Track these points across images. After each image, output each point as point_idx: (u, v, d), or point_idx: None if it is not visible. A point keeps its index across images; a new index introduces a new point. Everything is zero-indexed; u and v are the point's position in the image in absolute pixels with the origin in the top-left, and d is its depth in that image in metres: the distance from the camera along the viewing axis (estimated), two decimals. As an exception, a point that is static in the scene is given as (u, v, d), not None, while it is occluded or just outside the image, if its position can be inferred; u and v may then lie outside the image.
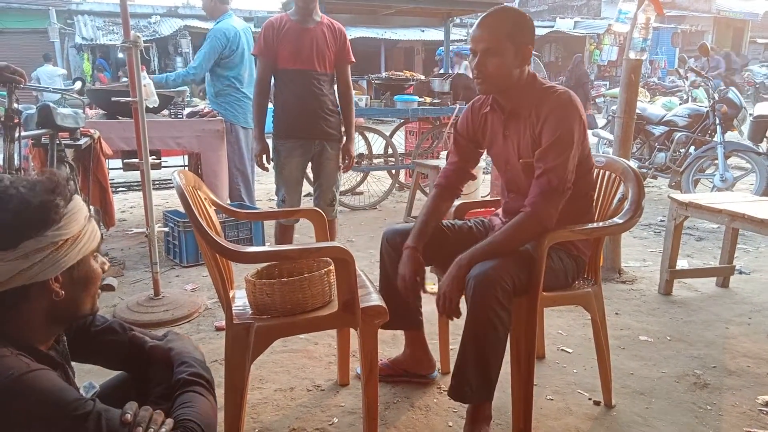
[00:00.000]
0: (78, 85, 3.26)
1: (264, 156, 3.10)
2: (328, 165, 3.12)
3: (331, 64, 3.05)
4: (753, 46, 21.87)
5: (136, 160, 2.84)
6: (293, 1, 3.04)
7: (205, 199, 1.86)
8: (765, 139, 5.54)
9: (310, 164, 3.16)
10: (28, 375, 0.92)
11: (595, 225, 2.00)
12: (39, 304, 1.02)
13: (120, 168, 4.39)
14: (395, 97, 5.19)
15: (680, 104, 6.58)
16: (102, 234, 1.14)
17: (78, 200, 1.07)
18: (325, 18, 3.07)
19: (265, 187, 5.97)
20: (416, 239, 1.91)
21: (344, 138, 3.18)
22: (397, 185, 5.82)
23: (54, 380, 0.95)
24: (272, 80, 3.08)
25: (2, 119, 2.53)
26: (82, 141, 3.12)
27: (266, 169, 3.18)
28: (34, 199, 0.98)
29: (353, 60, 3.15)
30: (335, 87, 3.14)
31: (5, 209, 0.96)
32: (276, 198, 3.18)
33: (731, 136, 5.38)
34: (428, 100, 5.30)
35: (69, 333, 1.19)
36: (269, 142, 3.12)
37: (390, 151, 5.64)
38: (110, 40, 15.56)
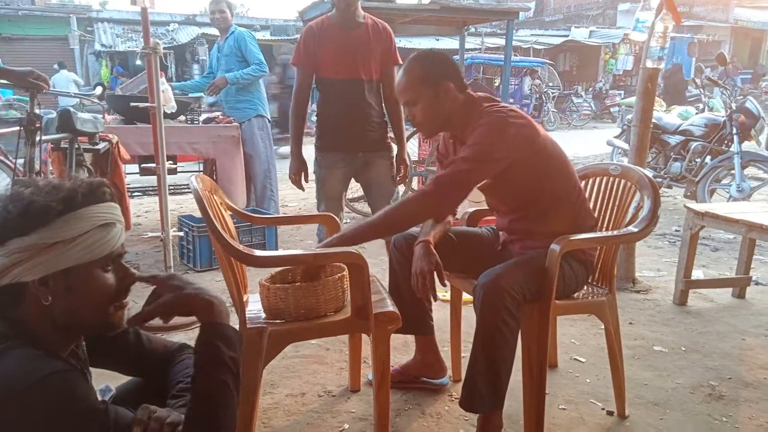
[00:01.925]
0: (98, 90, 3.32)
1: (303, 174, 2.88)
2: (378, 179, 2.86)
3: (377, 69, 2.76)
4: (772, 56, 21.67)
5: (153, 165, 2.88)
6: (333, 3, 2.77)
7: (221, 203, 1.88)
8: (783, 150, 5.48)
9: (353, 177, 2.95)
10: (52, 376, 0.91)
11: (610, 233, 2.00)
12: (32, 306, 1.00)
13: (136, 173, 4.45)
14: (409, 105, 5.20)
15: (696, 114, 6.52)
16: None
17: (97, 208, 1.03)
18: (368, 18, 2.79)
19: (308, 190, 5.99)
20: (428, 234, 1.90)
21: (394, 147, 2.94)
22: (409, 192, 5.82)
23: (78, 383, 0.95)
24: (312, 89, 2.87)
25: (24, 123, 2.57)
26: (101, 146, 3.17)
27: (302, 189, 2.94)
28: (26, 200, 0.98)
29: (400, 62, 2.81)
30: (381, 94, 2.87)
31: (5, 208, 0.98)
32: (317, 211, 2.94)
33: (748, 146, 5.32)
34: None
35: (87, 339, 1.18)
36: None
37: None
38: (129, 47, 15.79)
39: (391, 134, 2.94)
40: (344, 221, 3.20)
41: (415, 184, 6.09)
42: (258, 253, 1.61)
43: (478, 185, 1.87)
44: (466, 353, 2.06)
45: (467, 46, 9.54)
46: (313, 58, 2.73)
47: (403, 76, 1.86)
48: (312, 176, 2.92)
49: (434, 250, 1.84)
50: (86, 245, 1.01)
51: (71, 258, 1.00)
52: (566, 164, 1.90)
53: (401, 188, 5.66)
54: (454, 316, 2.28)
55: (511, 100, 13.68)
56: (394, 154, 2.91)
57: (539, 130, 1.82)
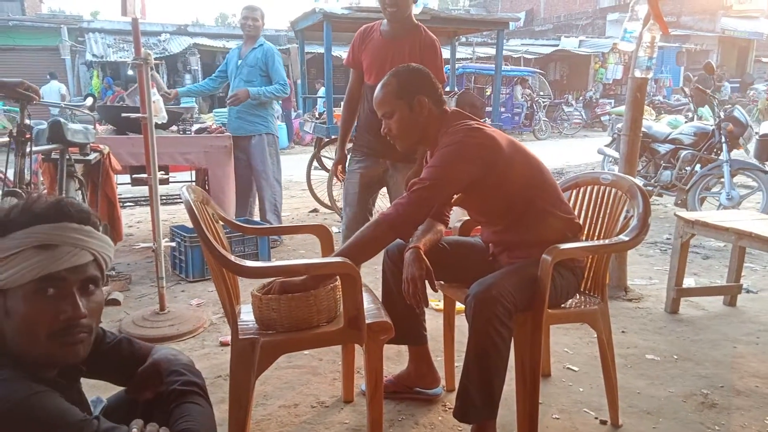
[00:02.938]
0: (89, 101, 3.31)
1: (340, 166, 3.05)
2: (398, 188, 2.87)
3: None
4: (758, 65, 21.92)
5: (145, 176, 2.87)
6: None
7: (213, 214, 1.88)
8: (772, 158, 5.53)
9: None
10: (31, 398, 0.91)
11: (601, 242, 2.01)
12: None
13: (128, 183, 4.43)
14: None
15: (686, 122, 6.58)
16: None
17: (42, 228, 0.99)
18: (422, 29, 2.78)
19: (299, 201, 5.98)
20: (419, 240, 1.90)
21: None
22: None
23: (57, 402, 0.94)
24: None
25: (14, 134, 2.56)
26: (92, 156, 3.16)
27: (341, 180, 3.08)
28: None
29: (445, 79, 2.88)
30: None
31: None
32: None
33: (737, 154, 5.38)
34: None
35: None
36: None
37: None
38: (120, 57, 15.77)
39: None
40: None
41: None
42: (249, 263, 1.61)
43: (453, 200, 1.91)
44: (459, 363, 2.05)
45: (459, 55, 9.60)
46: (359, 61, 2.85)
47: (380, 90, 1.90)
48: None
49: (425, 256, 1.84)
50: (24, 268, 0.97)
51: (10, 280, 0.96)
52: (541, 173, 1.91)
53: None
54: (447, 326, 2.28)
55: (503, 109, 13.76)
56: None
57: (502, 145, 1.80)
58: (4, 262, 0.97)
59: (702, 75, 10.66)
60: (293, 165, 8.38)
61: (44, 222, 1.00)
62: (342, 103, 3.01)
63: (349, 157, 3.04)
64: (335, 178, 3.09)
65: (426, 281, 1.78)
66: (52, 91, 13.00)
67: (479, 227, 2.41)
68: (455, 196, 1.94)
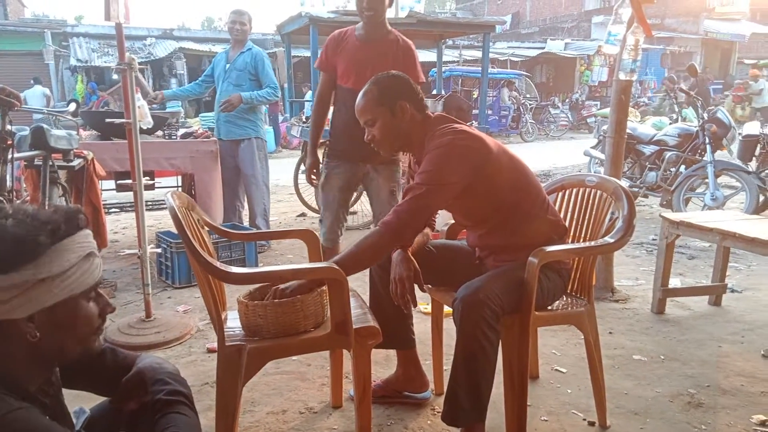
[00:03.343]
0: (72, 106, 3.28)
1: (314, 170, 3.01)
2: (380, 191, 2.92)
3: None
4: (740, 66, 22.20)
5: (130, 181, 2.84)
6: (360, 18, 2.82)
7: (198, 220, 1.87)
8: (754, 158, 5.61)
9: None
10: (9, 415, 0.89)
11: (586, 244, 2.02)
12: (15, 344, 0.97)
13: (113, 189, 4.38)
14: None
15: (670, 124, 6.65)
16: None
17: (77, 237, 1.01)
18: (395, 34, 2.84)
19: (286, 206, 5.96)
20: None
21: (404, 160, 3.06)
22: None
23: (36, 419, 0.92)
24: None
25: (-5, 141, 2.53)
26: (76, 162, 3.12)
27: (314, 185, 3.08)
28: (10, 233, 0.93)
29: (423, 80, 2.91)
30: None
31: None
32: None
33: (721, 155, 5.44)
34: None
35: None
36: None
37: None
38: (105, 62, 15.64)
39: None
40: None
41: (400, 197, 6.11)
42: (234, 269, 1.60)
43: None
44: (448, 366, 2.06)
45: (445, 58, 9.65)
46: (332, 66, 2.84)
47: (361, 98, 1.90)
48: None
49: (411, 257, 1.85)
50: (74, 278, 0.99)
51: (60, 293, 0.97)
52: (526, 176, 1.91)
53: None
54: (435, 329, 2.28)
55: (490, 112, 13.82)
56: (403, 168, 2.98)
57: (490, 146, 1.81)
58: (66, 275, 0.98)
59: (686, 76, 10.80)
60: (281, 169, 8.36)
61: (79, 229, 1.03)
62: (312, 107, 3.01)
63: (324, 161, 3.02)
64: (310, 183, 3.08)
65: (414, 282, 1.80)
66: (35, 95, 12.88)
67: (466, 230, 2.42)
68: None
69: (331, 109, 3.00)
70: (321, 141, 3.13)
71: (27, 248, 0.94)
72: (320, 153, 3.19)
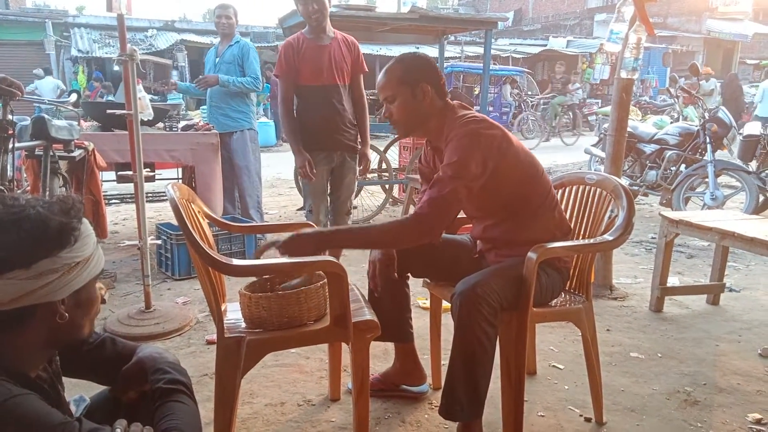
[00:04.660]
0: (73, 97, 3.28)
1: (307, 164, 3.11)
2: (347, 176, 3.23)
3: (348, 75, 3.18)
4: (743, 66, 22.17)
5: (130, 173, 2.84)
6: (306, 22, 3.14)
7: (199, 212, 1.87)
8: (754, 158, 5.61)
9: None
10: (9, 402, 0.90)
11: (585, 242, 2.02)
12: (41, 326, 1.01)
13: (113, 180, 4.38)
14: (389, 113, 5.21)
15: (671, 123, 6.65)
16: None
17: (87, 224, 1.07)
18: (338, 33, 3.19)
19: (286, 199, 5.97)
20: None
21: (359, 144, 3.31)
22: (390, 200, 5.84)
23: (36, 405, 0.93)
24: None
25: (-4, 130, 2.53)
26: (76, 153, 3.12)
27: (311, 178, 3.15)
28: (52, 219, 0.98)
29: (366, 70, 3.29)
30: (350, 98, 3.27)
31: (22, 228, 0.96)
32: (304, 209, 3.34)
33: (721, 154, 5.44)
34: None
35: (64, 351, 1.18)
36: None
37: (384, 166, 5.66)
38: (106, 53, 15.61)
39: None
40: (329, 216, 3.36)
41: (396, 192, 6.11)
42: (236, 262, 1.60)
43: None
44: (446, 361, 2.06)
45: (447, 54, 9.62)
46: (294, 70, 3.09)
47: (384, 74, 1.88)
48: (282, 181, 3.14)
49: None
50: (95, 261, 1.06)
51: (88, 275, 1.04)
52: (539, 172, 1.92)
53: (383, 197, 5.70)
54: (433, 324, 2.29)
55: (491, 108, 13.80)
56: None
57: (510, 137, 1.83)
58: (92, 257, 1.05)
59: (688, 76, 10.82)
60: (281, 162, 8.35)
61: (85, 216, 1.08)
62: (281, 113, 3.20)
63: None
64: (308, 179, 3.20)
65: (387, 267, 1.87)
66: (47, 86, 12.74)
67: (466, 225, 2.43)
68: None
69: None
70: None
71: (68, 233, 1.00)
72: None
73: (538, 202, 1.90)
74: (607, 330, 2.82)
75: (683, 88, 6.21)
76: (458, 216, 2.34)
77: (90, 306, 1.09)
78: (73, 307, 1.04)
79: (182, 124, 4.44)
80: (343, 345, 2.04)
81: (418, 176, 4.76)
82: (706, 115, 5.33)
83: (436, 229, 1.74)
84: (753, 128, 5.65)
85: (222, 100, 4.29)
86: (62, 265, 0.99)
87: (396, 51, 16.25)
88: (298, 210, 5.80)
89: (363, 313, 1.77)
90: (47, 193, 2.83)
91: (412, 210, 5.07)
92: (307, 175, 3.11)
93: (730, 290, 3.40)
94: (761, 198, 5.02)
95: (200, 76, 4.27)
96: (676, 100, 6.82)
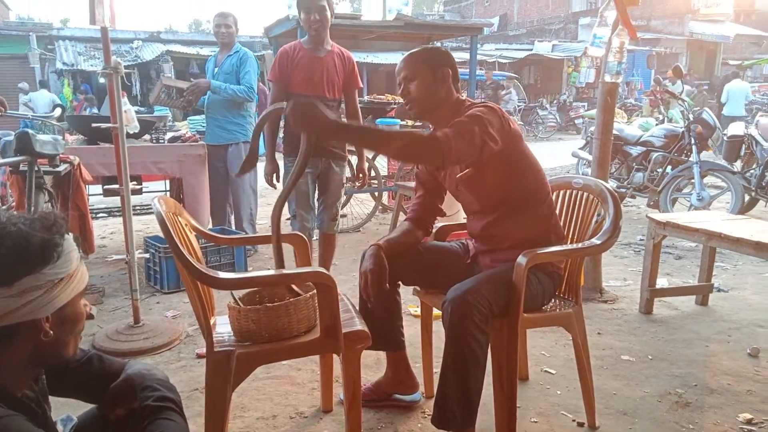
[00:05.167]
0: (57, 111, 3.25)
1: (274, 175, 3.22)
2: (333, 182, 3.26)
3: (340, 90, 3.22)
4: (726, 67, 22.46)
5: (117, 186, 2.82)
6: (306, 32, 3.16)
7: (186, 225, 1.86)
8: (739, 158, 5.67)
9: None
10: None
11: (574, 246, 2.03)
12: (25, 345, 1.00)
13: (100, 194, 4.35)
14: (377, 120, 5.23)
15: (656, 125, 6.71)
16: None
17: (70, 239, 1.07)
18: (335, 46, 3.21)
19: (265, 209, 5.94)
20: (384, 241, 1.96)
21: (349, 157, 3.38)
22: (380, 207, 5.84)
23: (23, 427, 0.92)
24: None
25: (-21, 147, 2.50)
26: (62, 168, 3.09)
27: (275, 187, 3.25)
28: (34, 236, 0.98)
29: (361, 85, 3.34)
30: (342, 110, 3.31)
31: (3, 245, 0.95)
32: (289, 214, 3.35)
33: (706, 155, 5.50)
34: (410, 122, 5.35)
35: (51, 370, 1.16)
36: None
37: (373, 174, 5.66)
38: (91, 66, 15.50)
39: (351, 147, 3.37)
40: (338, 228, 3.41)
41: (385, 199, 6.12)
42: (223, 275, 1.59)
43: (461, 174, 1.89)
44: (438, 368, 2.06)
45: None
46: (287, 77, 3.12)
47: (407, 55, 1.94)
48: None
49: (382, 254, 1.88)
50: (79, 277, 1.06)
51: (72, 291, 1.04)
52: (539, 172, 1.96)
53: (372, 205, 5.70)
54: (425, 332, 2.28)
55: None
56: (350, 165, 3.35)
57: (518, 128, 1.89)
58: (76, 273, 1.05)
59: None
60: (270, 172, 8.32)
61: (67, 233, 1.07)
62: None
63: (288, 163, 3.21)
64: (272, 186, 3.29)
65: (379, 278, 1.84)
66: (42, 99, 12.55)
67: (455, 232, 2.43)
68: (465, 170, 1.90)
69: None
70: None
71: (50, 250, 1.00)
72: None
73: (535, 203, 1.92)
74: (598, 333, 2.83)
75: (667, 90, 6.27)
76: (448, 224, 2.36)
77: (75, 323, 1.08)
78: (58, 325, 1.03)
79: (169, 135, 4.42)
80: (335, 355, 2.03)
81: (407, 183, 4.79)
82: (691, 116, 5.38)
83: (448, 154, 1.66)
84: (737, 129, 5.71)
85: (218, 112, 4.18)
86: (45, 282, 0.98)
87: (382, 58, 16.32)
88: (286, 219, 5.78)
89: (353, 323, 1.76)
90: (32, 208, 2.80)
91: (402, 217, 5.08)
92: (270, 183, 3.21)
93: (719, 290, 3.43)
94: (746, 198, 5.08)
95: (192, 82, 4.15)
96: (660, 101, 6.87)
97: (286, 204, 3.23)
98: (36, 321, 0.99)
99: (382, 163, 6.10)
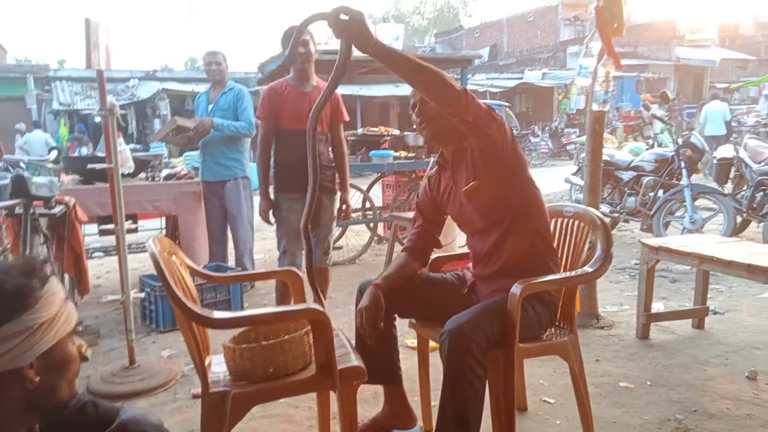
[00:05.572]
0: (53, 154, 3.28)
1: (270, 212, 3.24)
2: (324, 216, 3.26)
3: (327, 123, 3.26)
4: (713, 90, 22.82)
5: (112, 226, 2.83)
6: (293, 69, 3.23)
7: (181, 264, 1.87)
8: (729, 180, 5.74)
9: None
10: None
11: (567, 275, 2.04)
12: (13, 393, 0.99)
13: (96, 233, 4.36)
14: (371, 152, 5.29)
15: (647, 149, 6.80)
16: (77, 303, 1.12)
17: (54, 282, 1.06)
18: (321, 82, 3.25)
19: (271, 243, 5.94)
20: (382, 279, 1.98)
21: (339, 190, 3.39)
22: (375, 238, 5.85)
23: None
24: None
25: (-25, 191, 2.52)
26: (57, 209, 3.11)
27: (270, 223, 3.29)
28: (7, 282, 0.97)
29: (346, 119, 3.37)
30: (329, 144, 3.35)
31: None
32: (278, 250, 3.31)
33: (697, 178, 5.56)
34: (403, 154, 5.41)
35: (41, 417, 1.16)
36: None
37: (368, 205, 5.70)
38: (88, 105, 15.68)
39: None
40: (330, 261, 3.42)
41: (381, 230, 6.14)
42: (217, 314, 1.60)
43: (467, 187, 1.93)
44: (436, 401, 2.05)
45: (425, 92, 9.77)
46: (275, 114, 3.18)
47: None
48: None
49: (379, 293, 1.91)
50: (64, 319, 1.04)
51: (56, 335, 1.02)
52: (537, 192, 1.99)
53: (368, 236, 5.72)
54: (422, 365, 2.28)
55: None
56: (338, 197, 3.37)
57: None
58: (58, 317, 1.03)
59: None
60: (265, 206, 8.34)
61: (50, 276, 1.06)
62: (258, 154, 3.29)
63: (279, 199, 3.25)
64: (267, 222, 3.32)
65: (375, 316, 1.86)
66: (37, 141, 12.64)
67: (450, 263, 2.45)
68: (471, 183, 1.94)
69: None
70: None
71: (26, 296, 0.99)
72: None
73: (534, 224, 1.95)
74: (596, 360, 2.82)
75: (656, 116, 6.37)
76: (442, 255, 2.37)
77: (65, 366, 1.06)
78: (45, 370, 1.01)
79: (165, 173, 4.46)
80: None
81: (402, 214, 4.81)
82: (680, 140, 5.46)
83: (467, 105, 1.72)
84: (726, 151, 5.79)
85: (215, 148, 4.20)
86: (25, 328, 0.97)
87: (375, 90, 16.53)
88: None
89: (349, 359, 1.76)
90: (27, 251, 2.81)
91: (398, 248, 5.08)
92: (266, 220, 3.22)
93: (714, 313, 3.43)
94: (739, 219, 5.12)
95: (198, 121, 4.13)
96: (650, 126, 6.97)
97: (276, 240, 3.29)
98: (19, 369, 0.97)
99: (376, 194, 6.15)
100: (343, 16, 1.55)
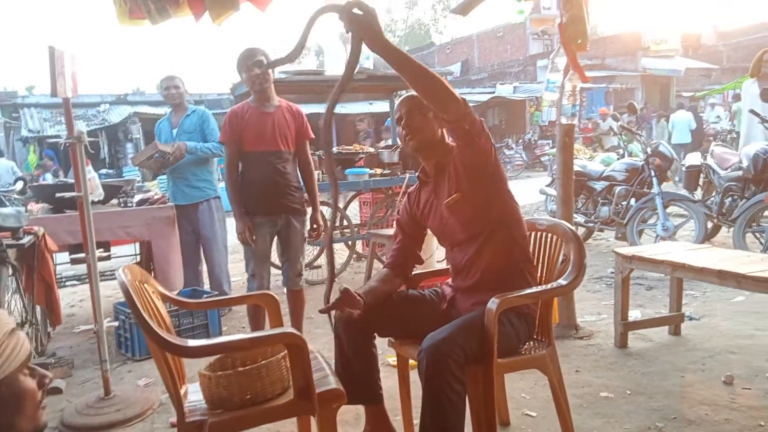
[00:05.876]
0: (19, 185, 3.22)
1: (247, 231, 3.12)
2: (294, 238, 3.23)
3: (293, 142, 3.22)
4: (680, 99, 23.40)
5: (83, 255, 2.78)
6: (251, 91, 3.18)
7: (153, 292, 1.84)
8: (699, 187, 5.86)
9: (276, 238, 3.29)
10: None
11: (542, 288, 2.06)
12: None
13: (68, 262, 4.27)
14: (346, 170, 5.29)
15: (618, 159, 6.92)
16: (49, 334, 1.08)
17: (2, 314, 1.03)
18: (283, 101, 3.24)
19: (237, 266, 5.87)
20: (364, 290, 2.02)
21: (309, 209, 3.35)
22: (354, 256, 5.84)
23: None
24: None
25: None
26: (25, 240, 3.04)
27: (251, 244, 3.16)
28: None
29: (312, 137, 3.34)
30: (296, 164, 3.31)
31: None
32: (246, 273, 3.26)
33: (667, 186, 5.66)
34: (379, 171, 5.42)
35: None
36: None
37: (345, 223, 5.69)
38: (58, 131, 15.44)
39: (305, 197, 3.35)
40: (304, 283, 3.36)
41: (359, 247, 6.12)
42: (192, 343, 1.57)
43: (449, 200, 1.96)
44: (418, 419, 2.03)
45: (399, 109, 9.89)
46: (239, 136, 3.14)
47: (406, 96, 2.05)
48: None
49: (361, 295, 1.96)
50: (6, 355, 1.00)
51: (3, 370, 0.98)
52: (515, 204, 2.03)
53: (346, 254, 5.70)
54: (402, 383, 2.26)
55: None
56: (308, 217, 3.32)
57: None
58: None
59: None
60: (242, 227, 8.27)
61: None
62: (225, 179, 3.24)
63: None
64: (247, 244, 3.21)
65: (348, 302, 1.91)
66: (2, 168, 12.40)
67: (427, 280, 2.45)
68: (453, 195, 1.97)
69: None
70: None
71: None
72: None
73: (512, 234, 1.98)
74: (576, 371, 2.83)
75: (624, 126, 6.50)
76: (420, 272, 2.37)
77: (18, 402, 1.01)
78: None
79: (137, 198, 4.39)
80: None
81: (380, 231, 4.81)
82: (648, 150, 5.57)
83: (465, 112, 1.79)
84: (694, 159, 5.92)
85: (186, 170, 4.18)
86: None
87: (350, 108, 16.62)
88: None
89: (327, 381, 1.74)
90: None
91: (377, 264, 5.07)
92: (246, 241, 3.13)
93: (690, 319, 3.48)
94: (710, 225, 5.22)
95: (175, 146, 4.06)
96: (619, 137, 7.11)
97: (243, 262, 3.25)
98: None
99: (353, 211, 6.14)
100: (356, 11, 1.57)
